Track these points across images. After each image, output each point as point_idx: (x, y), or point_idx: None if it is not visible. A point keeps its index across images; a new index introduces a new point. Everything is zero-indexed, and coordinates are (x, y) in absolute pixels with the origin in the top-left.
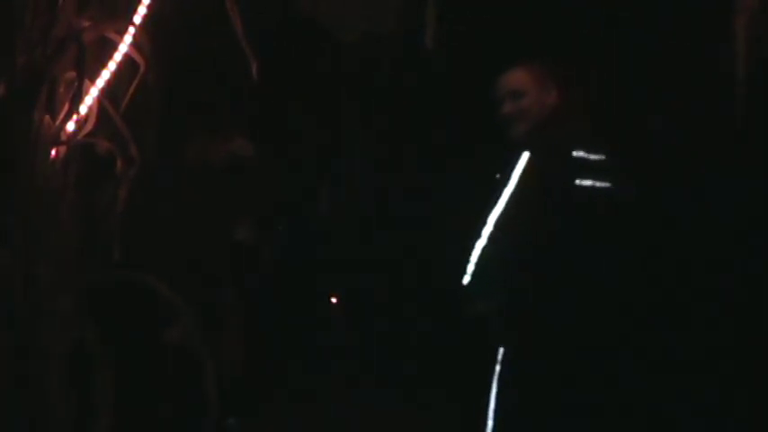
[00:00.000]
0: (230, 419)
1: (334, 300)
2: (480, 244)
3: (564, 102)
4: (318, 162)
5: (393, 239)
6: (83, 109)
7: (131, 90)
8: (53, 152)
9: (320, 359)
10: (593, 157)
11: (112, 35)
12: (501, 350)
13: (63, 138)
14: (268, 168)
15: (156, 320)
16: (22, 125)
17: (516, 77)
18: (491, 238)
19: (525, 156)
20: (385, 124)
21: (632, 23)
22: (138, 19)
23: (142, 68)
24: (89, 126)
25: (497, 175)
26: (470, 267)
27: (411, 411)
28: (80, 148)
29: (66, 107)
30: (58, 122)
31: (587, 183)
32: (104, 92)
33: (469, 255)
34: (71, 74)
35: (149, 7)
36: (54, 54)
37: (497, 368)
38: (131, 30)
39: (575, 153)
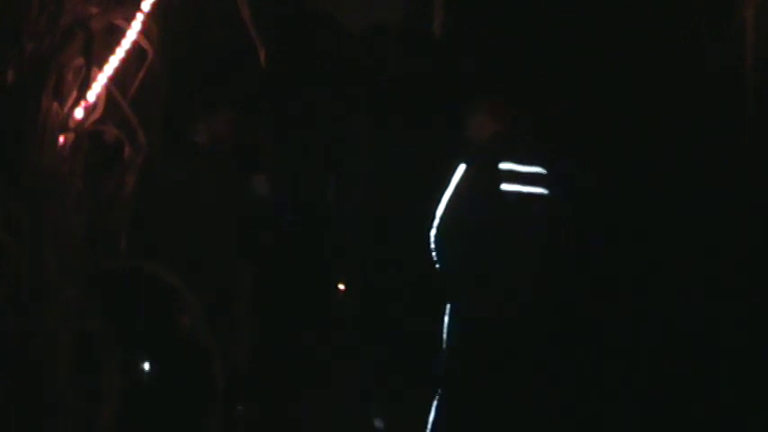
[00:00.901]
0: (239, 407)
1: (341, 287)
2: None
3: (502, 129)
4: (324, 150)
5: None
6: (91, 96)
7: (139, 77)
8: (61, 139)
9: (328, 349)
10: (524, 168)
11: (120, 22)
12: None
13: (71, 125)
14: (275, 156)
15: (162, 308)
16: (31, 112)
17: (464, 113)
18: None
19: (462, 167)
20: (391, 114)
21: (639, 19)
22: (145, 6)
23: (150, 56)
24: (97, 113)
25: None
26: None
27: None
28: (88, 135)
29: (75, 94)
30: (66, 110)
31: (514, 188)
32: (112, 79)
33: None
34: (79, 61)
35: None
36: (62, 41)
37: (446, 319)
38: (139, 17)
39: (502, 165)
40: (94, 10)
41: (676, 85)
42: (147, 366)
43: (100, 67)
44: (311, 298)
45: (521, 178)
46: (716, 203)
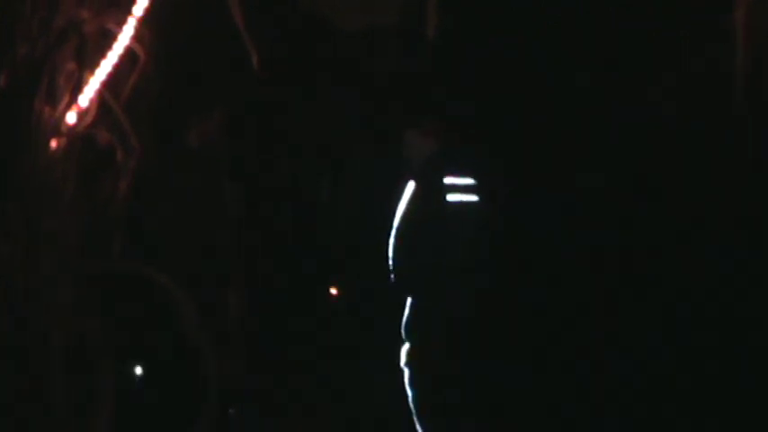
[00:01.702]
0: (231, 410)
1: (333, 291)
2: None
3: (438, 149)
4: (318, 150)
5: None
6: (83, 100)
7: (132, 82)
8: (53, 143)
9: (320, 352)
10: (462, 181)
11: (113, 26)
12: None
13: (63, 129)
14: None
15: (156, 310)
16: (23, 115)
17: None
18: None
19: (411, 184)
20: (386, 115)
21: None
22: (138, 10)
23: (142, 60)
24: (90, 117)
25: None
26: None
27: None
28: (80, 139)
29: (67, 98)
30: (58, 114)
31: (456, 199)
32: (105, 83)
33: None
34: (71, 65)
35: None
36: (54, 45)
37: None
38: (132, 21)
39: (445, 180)
40: (87, 14)
41: (671, 85)
42: (140, 368)
43: (92, 72)
44: (307, 298)
45: (465, 189)
46: (711, 203)
